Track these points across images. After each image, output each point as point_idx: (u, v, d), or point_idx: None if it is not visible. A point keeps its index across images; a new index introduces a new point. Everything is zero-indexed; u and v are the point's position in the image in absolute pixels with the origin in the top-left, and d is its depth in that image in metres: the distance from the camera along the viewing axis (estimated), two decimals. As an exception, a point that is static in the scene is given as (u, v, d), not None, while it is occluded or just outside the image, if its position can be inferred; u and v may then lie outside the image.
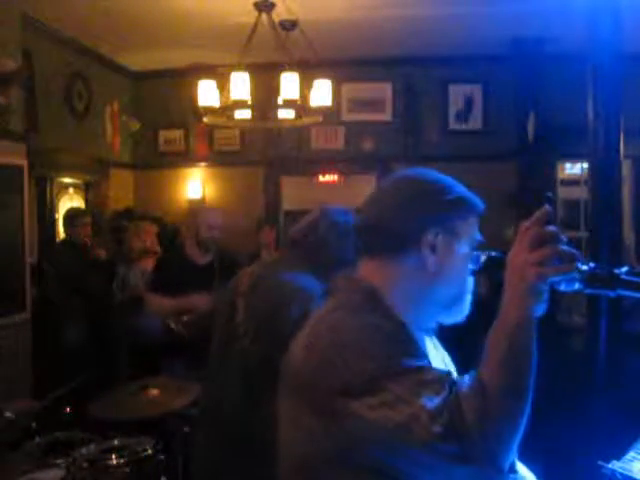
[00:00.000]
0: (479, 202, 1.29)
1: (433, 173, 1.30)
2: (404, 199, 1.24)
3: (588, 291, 1.09)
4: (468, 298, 1.26)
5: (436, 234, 1.20)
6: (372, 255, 1.25)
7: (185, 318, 3.68)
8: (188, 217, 4.00)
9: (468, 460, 0.98)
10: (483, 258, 1.23)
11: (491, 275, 1.20)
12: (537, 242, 1.05)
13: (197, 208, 4.06)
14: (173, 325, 3.68)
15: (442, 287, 1.22)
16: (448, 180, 1.29)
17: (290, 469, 1.19)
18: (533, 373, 1.03)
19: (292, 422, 1.16)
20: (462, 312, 1.26)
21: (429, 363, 1.11)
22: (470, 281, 1.25)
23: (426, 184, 1.26)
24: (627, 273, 1.06)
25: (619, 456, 1.76)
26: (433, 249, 1.19)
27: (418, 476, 1.05)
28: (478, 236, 1.26)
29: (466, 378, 1.05)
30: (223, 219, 3.97)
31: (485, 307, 1.30)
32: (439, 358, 1.35)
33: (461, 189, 1.28)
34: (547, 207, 1.09)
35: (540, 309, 1.07)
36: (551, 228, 1.06)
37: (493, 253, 1.23)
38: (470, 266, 1.23)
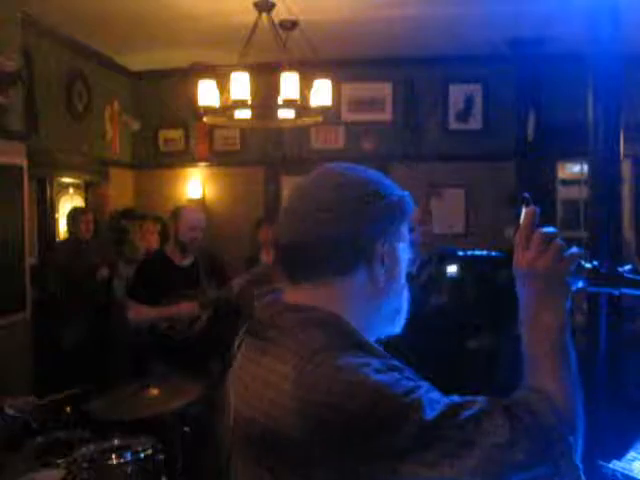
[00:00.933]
0: (409, 198, 1.13)
1: (358, 170, 1.11)
2: (345, 210, 1.04)
3: (592, 289, 1.10)
4: (406, 305, 1.14)
5: (383, 244, 1.06)
6: (311, 278, 1.06)
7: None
8: (169, 219, 3.99)
9: (558, 462, 0.95)
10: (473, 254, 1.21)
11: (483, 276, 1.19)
12: (544, 244, 1.06)
13: (178, 209, 4.02)
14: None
15: (390, 299, 1.10)
16: (377, 176, 1.11)
17: None
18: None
19: None
20: (401, 322, 1.14)
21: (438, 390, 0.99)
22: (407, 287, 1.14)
23: (362, 187, 1.07)
24: (630, 271, 1.07)
25: (619, 456, 1.77)
26: (382, 261, 1.06)
27: None
28: (409, 236, 1.14)
29: (520, 394, 1.01)
30: (204, 220, 3.95)
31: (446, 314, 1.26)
32: None
33: (395, 187, 1.11)
34: (533, 207, 1.09)
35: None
36: (549, 229, 1.08)
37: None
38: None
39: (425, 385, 0.97)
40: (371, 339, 1.07)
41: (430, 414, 0.91)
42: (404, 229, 1.11)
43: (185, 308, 3.67)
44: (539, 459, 0.93)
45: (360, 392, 0.91)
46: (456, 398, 0.96)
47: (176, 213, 3.90)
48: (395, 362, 1.01)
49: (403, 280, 1.12)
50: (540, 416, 0.95)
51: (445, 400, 0.95)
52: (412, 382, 0.96)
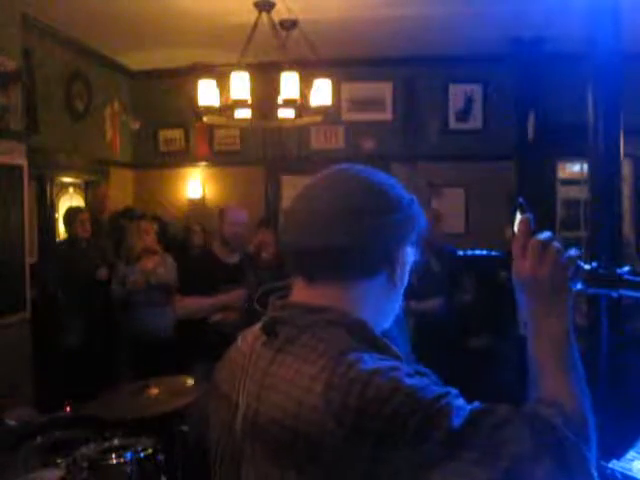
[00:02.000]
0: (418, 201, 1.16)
1: (379, 174, 1.12)
2: (376, 216, 1.06)
3: (590, 291, 1.10)
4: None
5: (405, 249, 1.10)
6: (334, 279, 1.07)
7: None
8: (216, 218, 4.03)
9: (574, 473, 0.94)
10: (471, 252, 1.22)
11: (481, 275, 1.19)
12: (541, 251, 1.06)
13: (222, 208, 4.08)
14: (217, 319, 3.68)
15: (398, 298, 1.13)
16: (394, 183, 1.13)
17: None
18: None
19: None
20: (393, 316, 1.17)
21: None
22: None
23: (390, 193, 1.09)
24: (629, 273, 1.06)
25: (619, 456, 1.77)
26: (401, 264, 1.10)
27: None
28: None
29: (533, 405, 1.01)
30: (246, 216, 3.98)
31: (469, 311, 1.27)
32: None
33: (408, 194, 1.13)
34: (528, 215, 1.10)
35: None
36: (545, 234, 1.08)
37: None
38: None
39: (453, 391, 0.96)
40: None
41: (457, 422, 0.90)
42: (416, 234, 1.13)
43: (236, 296, 3.67)
44: (558, 473, 0.93)
45: (394, 397, 0.90)
46: (479, 405, 0.96)
47: (220, 212, 3.96)
48: (417, 366, 1.01)
49: (406, 281, 1.14)
50: (558, 431, 0.95)
51: (469, 407, 0.94)
52: (441, 388, 0.96)
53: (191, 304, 3.74)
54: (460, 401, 0.95)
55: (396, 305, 1.15)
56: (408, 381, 0.93)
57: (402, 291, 1.13)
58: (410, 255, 1.12)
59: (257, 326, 1.12)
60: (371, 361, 0.95)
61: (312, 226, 1.07)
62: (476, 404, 0.96)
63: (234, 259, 3.89)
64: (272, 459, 0.98)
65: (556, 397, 1.00)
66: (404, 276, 1.12)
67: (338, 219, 1.05)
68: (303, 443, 0.93)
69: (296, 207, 1.11)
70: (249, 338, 1.14)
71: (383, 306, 1.12)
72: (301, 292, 1.09)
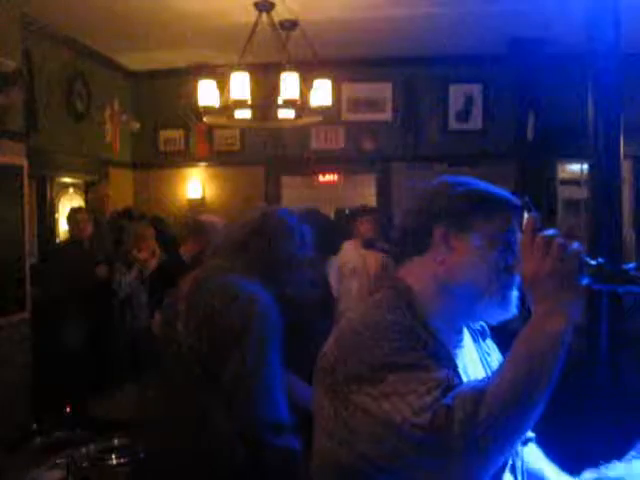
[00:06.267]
0: (509, 200, 1.25)
1: (464, 177, 1.30)
2: (420, 199, 1.29)
3: (596, 287, 1.09)
4: (506, 295, 1.20)
5: (447, 229, 1.20)
6: (405, 257, 1.27)
7: None
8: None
9: (440, 456, 0.99)
10: None
11: None
12: (546, 247, 1.07)
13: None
14: None
15: (463, 281, 1.19)
16: (472, 181, 1.28)
17: (316, 454, 1.21)
18: (552, 385, 1.03)
19: (318, 410, 1.18)
20: (503, 311, 1.22)
21: (439, 364, 1.09)
22: (506, 278, 1.19)
23: (443, 183, 1.28)
24: (635, 269, 1.06)
25: (619, 456, 1.76)
26: (447, 245, 1.20)
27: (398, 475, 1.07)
28: (510, 230, 1.20)
29: (471, 384, 1.06)
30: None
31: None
32: (477, 361, 1.30)
33: (482, 186, 1.27)
34: (533, 214, 1.11)
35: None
36: (550, 231, 1.08)
37: None
38: (506, 264, 1.19)
39: (423, 353, 1.09)
40: (454, 319, 1.23)
41: (392, 359, 1.06)
42: (484, 222, 1.20)
43: None
44: (430, 440, 0.99)
45: (365, 325, 1.13)
46: (429, 363, 1.07)
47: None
48: (427, 335, 1.14)
49: (488, 270, 1.18)
50: (455, 411, 0.98)
51: (426, 363, 1.06)
52: (411, 343, 1.09)
53: None
54: (416, 358, 1.07)
55: (466, 294, 1.20)
56: (387, 328, 1.11)
57: (473, 279, 1.19)
58: (472, 241, 1.19)
59: None
60: (374, 311, 1.17)
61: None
62: (440, 371, 1.06)
63: None
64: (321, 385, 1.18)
65: (491, 386, 1.01)
66: (460, 260, 1.19)
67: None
68: (322, 366, 1.17)
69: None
70: None
71: (440, 288, 1.21)
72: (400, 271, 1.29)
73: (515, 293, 1.20)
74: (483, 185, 1.27)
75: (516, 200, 1.24)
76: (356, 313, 1.22)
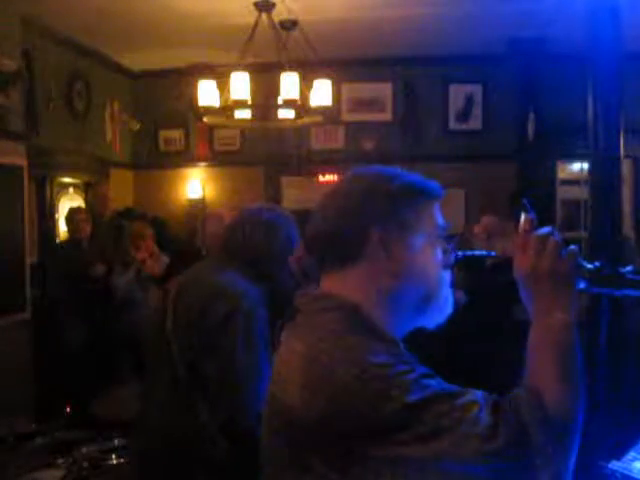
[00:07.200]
0: (431, 186, 1.14)
1: (377, 167, 1.18)
2: (344, 200, 1.12)
3: (593, 290, 1.09)
4: (446, 295, 1.14)
5: (383, 230, 1.08)
6: (331, 267, 1.12)
7: None
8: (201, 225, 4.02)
9: (535, 468, 0.96)
10: (461, 255, 1.19)
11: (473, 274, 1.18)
12: (541, 245, 1.06)
13: (205, 217, 4.06)
14: None
15: (409, 286, 1.10)
16: (391, 170, 1.16)
17: None
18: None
19: (297, 467, 1.02)
20: (442, 312, 1.14)
21: (441, 381, 1.02)
22: (444, 276, 1.14)
23: (365, 178, 1.15)
24: (632, 272, 1.06)
25: (619, 456, 1.76)
26: (385, 248, 1.08)
27: None
28: (440, 223, 1.14)
29: (515, 392, 1.02)
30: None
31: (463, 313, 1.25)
32: None
33: (406, 176, 1.14)
34: (530, 215, 1.10)
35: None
36: (545, 229, 1.08)
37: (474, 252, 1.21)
38: (441, 259, 1.13)
39: (421, 370, 1.00)
40: (400, 327, 1.12)
41: (414, 397, 0.95)
42: (416, 216, 1.11)
43: None
44: (512, 457, 0.95)
45: (356, 371, 0.97)
46: (450, 387, 0.99)
47: (202, 221, 3.93)
48: (404, 354, 1.06)
49: (430, 268, 1.11)
50: (522, 415, 0.96)
51: (438, 387, 0.98)
52: (407, 366, 1.00)
53: None
54: (429, 381, 0.98)
55: (410, 298, 1.11)
56: (381, 363, 0.98)
57: (417, 280, 1.10)
58: (409, 241, 1.09)
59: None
60: (343, 344, 1.02)
61: (309, 221, 1.17)
62: (451, 386, 0.99)
63: None
64: (274, 433, 1.07)
65: (542, 387, 0.99)
66: (402, 261, 1.09)
67: (318, 210, 1.16)
68: (288, 416, 1.03)
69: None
70: None
71: (386, 296, 1.10)
72: (322, 281, 1.15)
73: (450, 291, 1.15)
74: (412, 176, 1.15)
75: (438, 187, 1.15)
76: (316, 351, 1.03)
